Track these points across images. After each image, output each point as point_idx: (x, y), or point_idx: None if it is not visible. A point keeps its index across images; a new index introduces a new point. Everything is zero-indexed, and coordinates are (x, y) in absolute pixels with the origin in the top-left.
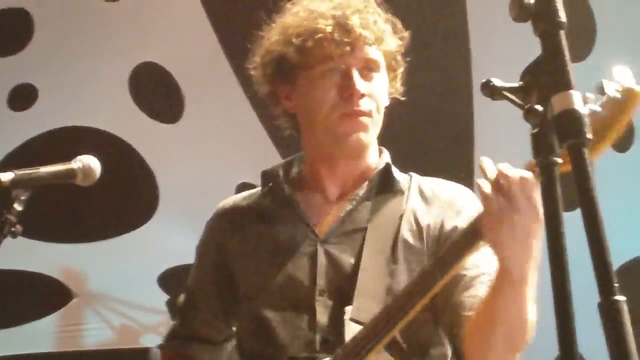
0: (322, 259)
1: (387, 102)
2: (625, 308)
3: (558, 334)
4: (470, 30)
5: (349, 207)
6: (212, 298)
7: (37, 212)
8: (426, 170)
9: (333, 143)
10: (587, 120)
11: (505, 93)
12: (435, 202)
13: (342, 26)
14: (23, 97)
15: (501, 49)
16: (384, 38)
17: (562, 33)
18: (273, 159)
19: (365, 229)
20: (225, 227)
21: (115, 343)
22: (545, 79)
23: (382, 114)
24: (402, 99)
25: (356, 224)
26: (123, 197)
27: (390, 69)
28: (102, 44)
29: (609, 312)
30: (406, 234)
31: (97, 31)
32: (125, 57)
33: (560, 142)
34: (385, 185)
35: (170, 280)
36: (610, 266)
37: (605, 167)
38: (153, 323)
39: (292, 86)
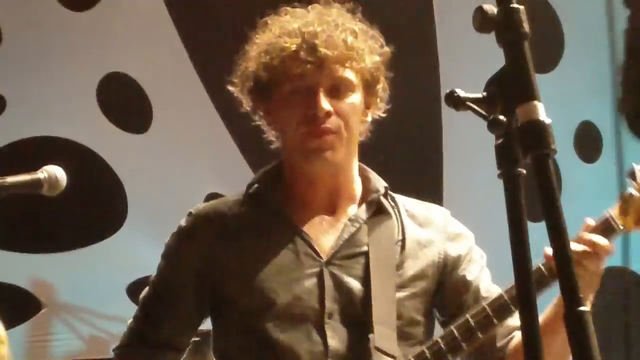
0: (328, 282)
1: (362, 119)
2: (589, 318)
3: (524, 345)
4: (439, 40)
5: (351, 229)
6: (189, 306)
7: (5, 222)
8: (394, 184)
9: (302, 161)
10: (551, 130)
11: (469, 104)
12: (431, 228)
13: (308, 45)
14: None
15: (470, 60)
16: (356, 56)
17: (526, 44)
18: (241, 169)
19: (366, 253)
20: (211, 236)
21: (85, 353)
22: (509, 89)
23: (354, 131)
24: (383, 114)
25: (357, 246)
26: (92, 208)
27: (367, 86)
28: (70, 54)
29: (574, 323)
30: (408, 259)
31: (65, 41)
32: (93, 67)
33: (524, 153)
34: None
35: (140, 290)
36: (574, 277)
37: (572, 177)
38: (122, 333)
39: (268, 103)
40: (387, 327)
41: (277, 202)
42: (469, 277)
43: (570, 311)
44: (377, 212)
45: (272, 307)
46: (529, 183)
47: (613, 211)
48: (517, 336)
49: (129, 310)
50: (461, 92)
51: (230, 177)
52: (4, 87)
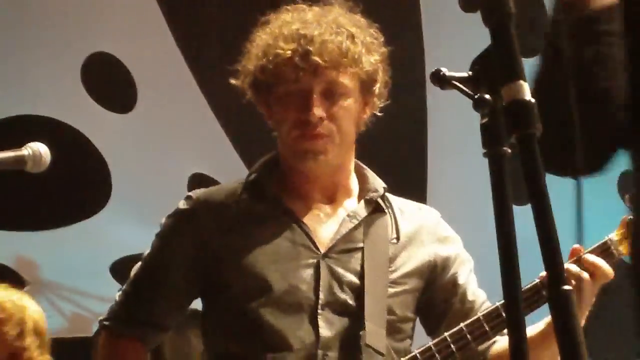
0: (324, 273)
1: (358, 120)
2: (573, 298)
3: (508, 328)
4: (424, 23)
5: (349, 225)
6: (179, 288)
7: None
8: (379, 173)
9: (296, 161)
10: (536, 110)
11: (455, 82)
12: (422, 229)
13: (303, 51)
14: None
15: (454, 40)
16: (350, 61)
17: (511, 23)
18: (225, 149)
19: (361, 248)
20: (210, 221)
21: (67, 331)
22: (494, 69)
23: (347, 134)
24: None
25: (354, 242)
26: (76, 186)
27: (364, 87)
28: (54, 33)
29: (558, 302)
30: (400, 258)
31: (49, 20)
32: (78, 47)
33: (509, 133)
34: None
35: (123, 269)
36: (559, 257)
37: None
38: (105, 312)
39: (266, 99)
40: (378, 323)
41: (276, 192)
42: (460, 280)
43: (554, 290)
44: (374, 210)
45: (267, 293)
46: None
47: (613, 236)
48: (500, 340)
49: (112, 289)
50: (446, 71)
51: (214, 158)
52: None
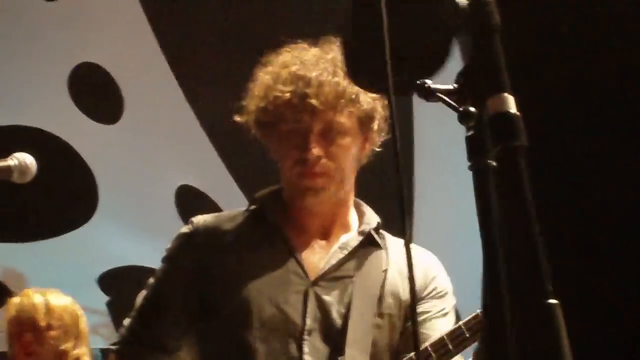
0: (312, 300)
1: (358, 156)
2: (559, 312)
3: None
4: None
5: (340, 255)
6: (181, 310)
7: None
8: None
9: (297, 196)
10: (520, 123)
11: (440, 95)
12: (417, 266)
13: (301, 93)
14: None
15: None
16: (348, 102)
17: (497, 35)
18: (213, 161)
19: (351, 277)
20: (208, 245)
21: None
22: (479, 81)
23: (346, 171)
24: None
25: (344, 271)
26: (63, 197)
27: (362, 125)
28: (42, 43)
29: (543, 316)
30: (391, 289)
31: (36, 30)
32: (65, 57)
33: (493, 145)
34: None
35: (110, 281)
36: (544, 271)
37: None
38: (93, 324)
39: (270, 137)
40: (360, 351)
41: (276, 220)
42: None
43: (540, 305)
44: (367, 243)
45: (254, 317)
46: None
47: None
48: None
49: (99, 300)
50: (431, 83)
51: (201, 170)
52: None
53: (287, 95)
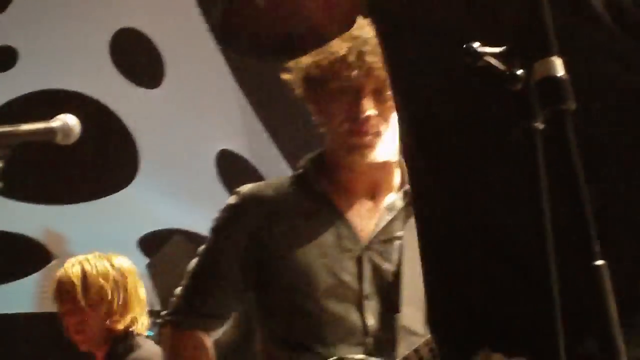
0: (367, 265)
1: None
2: (606, 273)
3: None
4: None
5: (388, 217)
6: (236, 280)
7: (19, 174)
8: None
9: (345, 155)
10: (569, 87)
11: (487, 58)
12: None
13: (357, 50)
14: (3, 59)
15: None
16: None
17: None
18: (253, 126)
19: (400, 238)
20: (260, 216)
21: None
22: (527, 44)
23: (395, 132)
24: None
25: (393, 232)
26: (104, 160)
27: None
28: (84, 9)
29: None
30: None
31: None
32: (106, 22)
33: (541, 109)
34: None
35: (150, 243)
36: (591, 232)
37: None
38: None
39: (316, 95)
40: (415, 308)
41: (322, 187)
42: None
43: (586, 267)
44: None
45: (313, 287)
46: None
47: None
48: None
49: (139, 263)
50: (479, 47)
51: (242, 134)
52: (17, 40)
53: (343, 51)
